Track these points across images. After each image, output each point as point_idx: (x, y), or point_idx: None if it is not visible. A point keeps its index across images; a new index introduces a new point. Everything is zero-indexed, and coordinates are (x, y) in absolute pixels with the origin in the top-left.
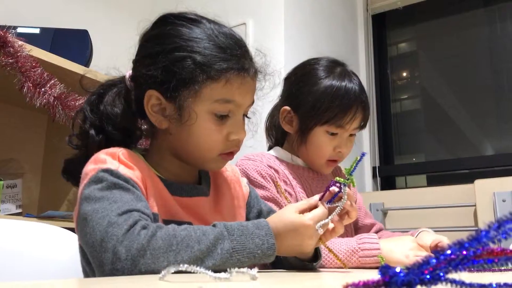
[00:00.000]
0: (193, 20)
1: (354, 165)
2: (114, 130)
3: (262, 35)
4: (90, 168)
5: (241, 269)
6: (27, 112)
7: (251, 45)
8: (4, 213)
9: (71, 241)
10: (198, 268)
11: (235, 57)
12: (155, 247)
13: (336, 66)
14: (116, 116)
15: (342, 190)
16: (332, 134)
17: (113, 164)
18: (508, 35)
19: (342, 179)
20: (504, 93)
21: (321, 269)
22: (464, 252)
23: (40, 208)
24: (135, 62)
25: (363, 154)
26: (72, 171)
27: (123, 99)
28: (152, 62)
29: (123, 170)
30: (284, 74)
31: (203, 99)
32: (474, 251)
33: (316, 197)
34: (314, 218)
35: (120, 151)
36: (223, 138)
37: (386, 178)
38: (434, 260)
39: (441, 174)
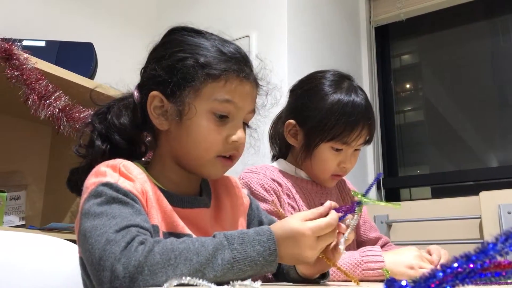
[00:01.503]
0: (198, 31)
1: (367, 189)
2: (119, 139)
3: (265, 48)
4: (91, 181)
5: (244, 282)
6: (31, 124)
7: (254, 57)
8: (8, 225)
9: (74, 253)
10: (200, 281)
11: (234, 59)
12: (153, 262)
13: (342, 81)
14: (121, 125)
15: (356, 210)
16: (337, 150)
17: (113, 177)
18: (511, 46)
19: (360, 196)
20: (507, 104)
21: (326, 282)
22: (471, 265)
23: (44, 220)
24: (142, 70)
25: (379, 175)
26: (76, 181)
27: (130, 111)
28: (157, 65)
29: (122, 183)
30: (286, 86)
31: (204, 97)
32: (481, 264)
33: (328, 203)
34: (314, 228)
35: (121, 163)
36: (221, 139)
37: (391, 190)
38: (440, 274)
39: (445, 186)
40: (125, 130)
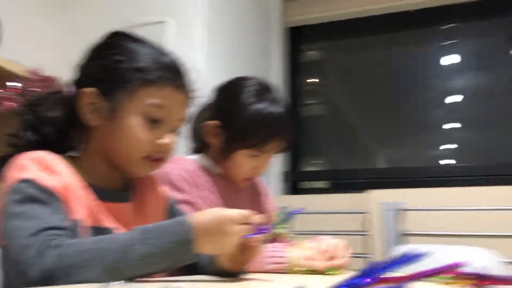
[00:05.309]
0: (140, 40)
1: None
2: (50, 131)
3: (183, 36)
4: (11, 176)
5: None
6: None
7: (171, 46)
8: None
9: None
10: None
11: (170, 68)
12: (67, 265)
13: (264, 91)
14: (53, 118)
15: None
16: (254, 156)
17: (32, 172)
18: (403, 59)
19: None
20: (399, 109)
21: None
22: None
23: None
24: (79, 66)
25: (298, 211)
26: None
27: (64, 105)
28: (94, 63)
29: (42, 179)
30: (204, 78)
31: (137, 100)
32: None
33: (254, 216)
34: (240, 213)
35: (43, 156)
36: (150, 141)
37: (294, 183)
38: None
39: (340, 182)
40: (57, 123)
